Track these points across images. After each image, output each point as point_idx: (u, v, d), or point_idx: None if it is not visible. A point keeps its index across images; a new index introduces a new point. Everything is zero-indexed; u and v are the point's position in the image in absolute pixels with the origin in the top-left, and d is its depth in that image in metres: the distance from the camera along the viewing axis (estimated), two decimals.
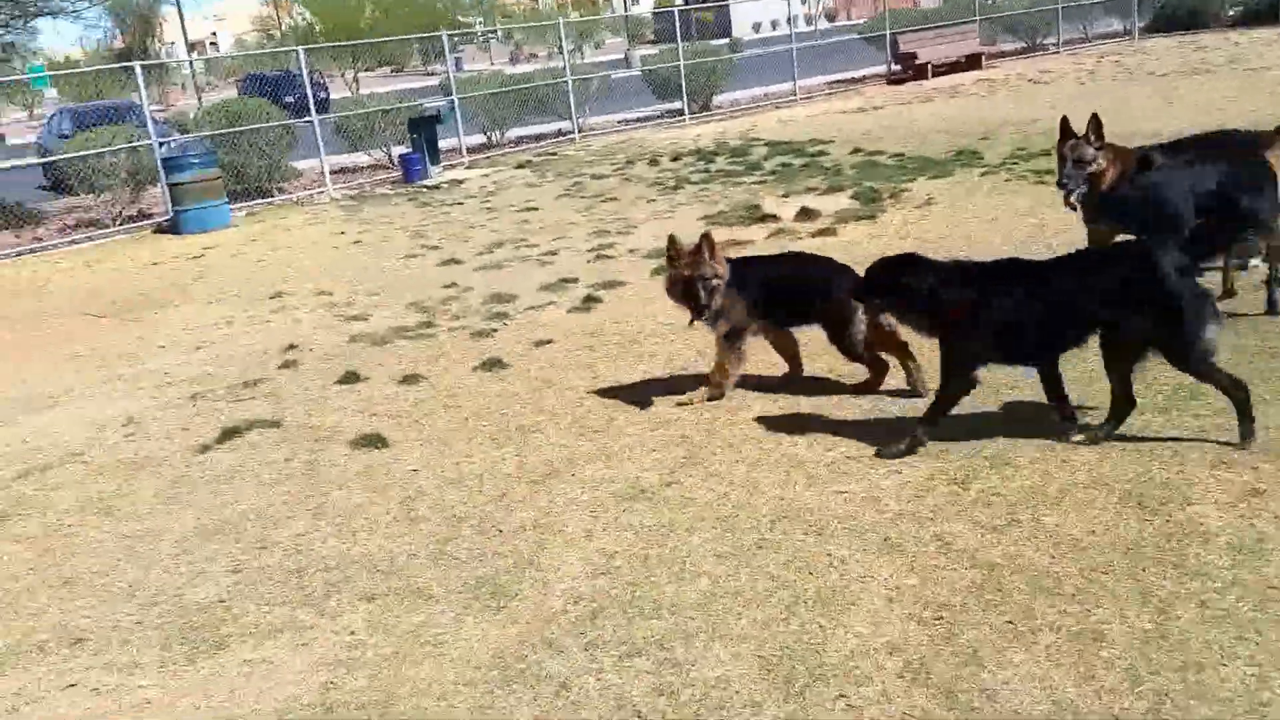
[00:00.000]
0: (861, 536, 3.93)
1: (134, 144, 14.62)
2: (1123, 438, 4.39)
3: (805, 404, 5.28)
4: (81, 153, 14.51)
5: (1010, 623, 3.28)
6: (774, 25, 49.68)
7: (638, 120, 21.27)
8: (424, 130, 16.48)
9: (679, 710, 3.07)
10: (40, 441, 6.01)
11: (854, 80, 24.22)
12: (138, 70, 15.28)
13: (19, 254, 13.40)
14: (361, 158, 18.13)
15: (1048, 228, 8.08)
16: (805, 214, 9.79)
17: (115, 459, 5.61)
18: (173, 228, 13.70)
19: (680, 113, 20.80)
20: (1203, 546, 3.55)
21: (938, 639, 3.25)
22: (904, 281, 4.59)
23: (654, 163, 14.91)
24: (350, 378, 6.51)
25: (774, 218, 9.85)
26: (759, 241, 8.99)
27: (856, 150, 13.45)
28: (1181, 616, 3.19)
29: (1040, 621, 3.27)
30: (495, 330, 7.29)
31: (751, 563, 3.82)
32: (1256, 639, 3.04)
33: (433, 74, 30.53)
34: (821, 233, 9.06)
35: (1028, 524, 3.85)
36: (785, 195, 11.02)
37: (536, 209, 12.29)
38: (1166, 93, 15.34)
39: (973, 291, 4.45)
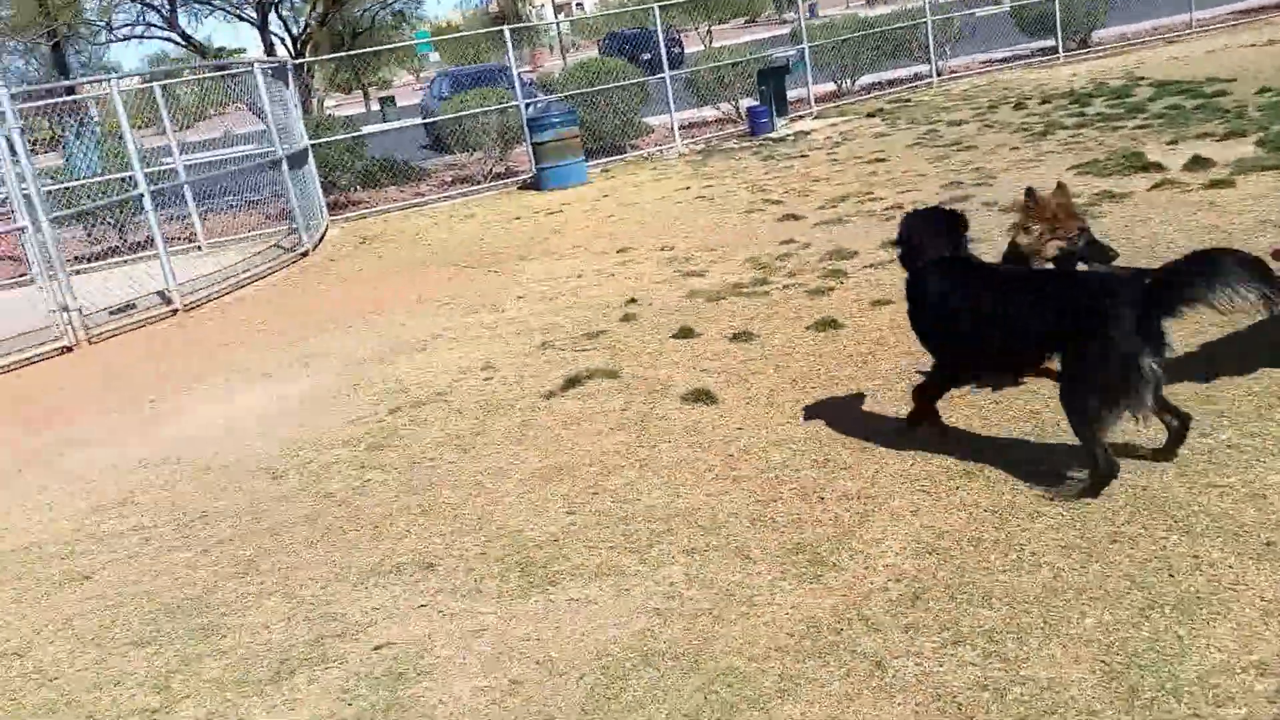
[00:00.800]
0: (1238, 539, 3.42)
1: (503, 105, 15.74)
2: None
3: (1194, 383, 4.68)
4: (457, 115, 15.85)
5: None
6: None
7: (1003, 61, 19.93)
8: (772, 81, 16.41)
9: (1005, 709, 2.82)
10: (412, 380, 6.64)
11: (1261, 9, 21.22)
12: (506, 34, 16.35)
13: (403, 208, 14.89)
14: (709, 112, 18.39)
15: None
16: (1197, 163, 8.69)
17: (473, 400, 6.07)
18: (535, 184, 14.64)
19: (1053, 50, 19.24)
20: None
21: None
22: None
23: (1020, 106, 13.90)
24: (684, 333, 6.61)
25: (1158, 167, 8.84)
26: (1139, 194, 8.13)
27: (1265, 90, 11.76)
28: None
29: None
30: (832, 289, 7.11)
31: (1103, 558, 3.44)
32: None
33: (786, 22, 30.20)
34: (1215, 184, 7.99)
35: None
36: (1173, 142, 9.86)
37: (884, 160, 11.87)
38: None
39: None
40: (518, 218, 12.63)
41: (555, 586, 3.85)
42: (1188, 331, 4.99)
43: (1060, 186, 4.61)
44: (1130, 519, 3.64)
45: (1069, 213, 4.45)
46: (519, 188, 15.08)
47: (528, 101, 16.01)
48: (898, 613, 3.33)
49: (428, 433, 5.66)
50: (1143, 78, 14.42)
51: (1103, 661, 2.94)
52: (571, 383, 6.01)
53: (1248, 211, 7.11)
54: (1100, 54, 18.86)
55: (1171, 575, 3.28)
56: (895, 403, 4.97)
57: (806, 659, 3.17)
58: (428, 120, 19.11)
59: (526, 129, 14.96)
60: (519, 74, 16.49)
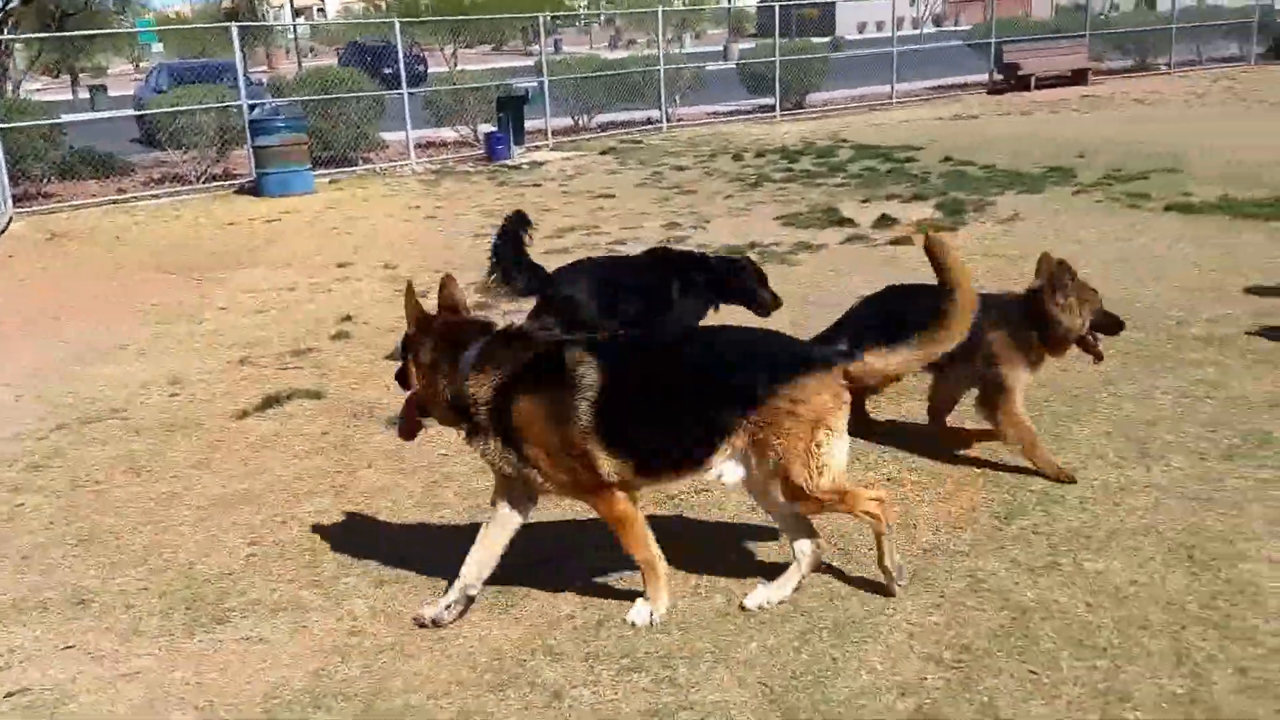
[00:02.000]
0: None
1: (224, 104, 14.93)
2: (1178, 481, 4.13)
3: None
4: (171, 109, 14.87)
5: (1034, 673, 3.07)
6: (879, 26, 48.74)
7: (728, 114, 21.06)
8: (511, 110, 16.51)
9: None
10: (88, 394, 6.10)
11: (954, 87, 23.66)
12: (234, 31, 15.57)
13: (103, 204, 13.75)
14: (448, 133, 18.25)
15: (1141, 252, 7.73)
16: (884, 221, 9.53)
17: (154, 418, 5.66)
18: (254, 189, 13.94)
19: (772, 109, 20.52)
20: (1250, 608, 3.28)
21: (955, 684, 3.05)
22: None
23: (738, 158, 14.70)
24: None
25: (851, 222, 9.60)
26: (832, 245, 8.78)
27: (947, 159, 13.08)
28: (1217, 683, 2.95)
29: (1066, 674, 3.05)
30: None
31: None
32: None
33: (531, 54, 30.66)
34: (898, 241, 8.79)
35: (1068, 568, 3.61)
36: (866, 200, 10.74)
37: (613, 196, 12.20)
38: (1274, 120, 14.64)
39: None
40: (231, 223, 11.96)
41: (225, 625, 3.63)
42: None
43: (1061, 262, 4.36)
44: None
45: (1086, 285, 4.38)
46: (236, 192, 14.30)
47: (253, 103, 15.26)
48: (581, 641, 3.39)
49: (97, 453, 5.21)
50: (846, 140, 15.66)
51: (764, 684, 3.11)
52: (270, 402, 5.73)
53: (924, 267, 7.80)
54: (813, 116, 20.33)
55: (832, 600, 3.53)
56: None
57: (486, 692, 3.16)
58: (138, 112, 17.79)
59: (249, 131, 14.23)
60: (247, 74, 15.70)
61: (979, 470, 4.41)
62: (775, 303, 5.46)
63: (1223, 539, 3.71)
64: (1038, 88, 21.82)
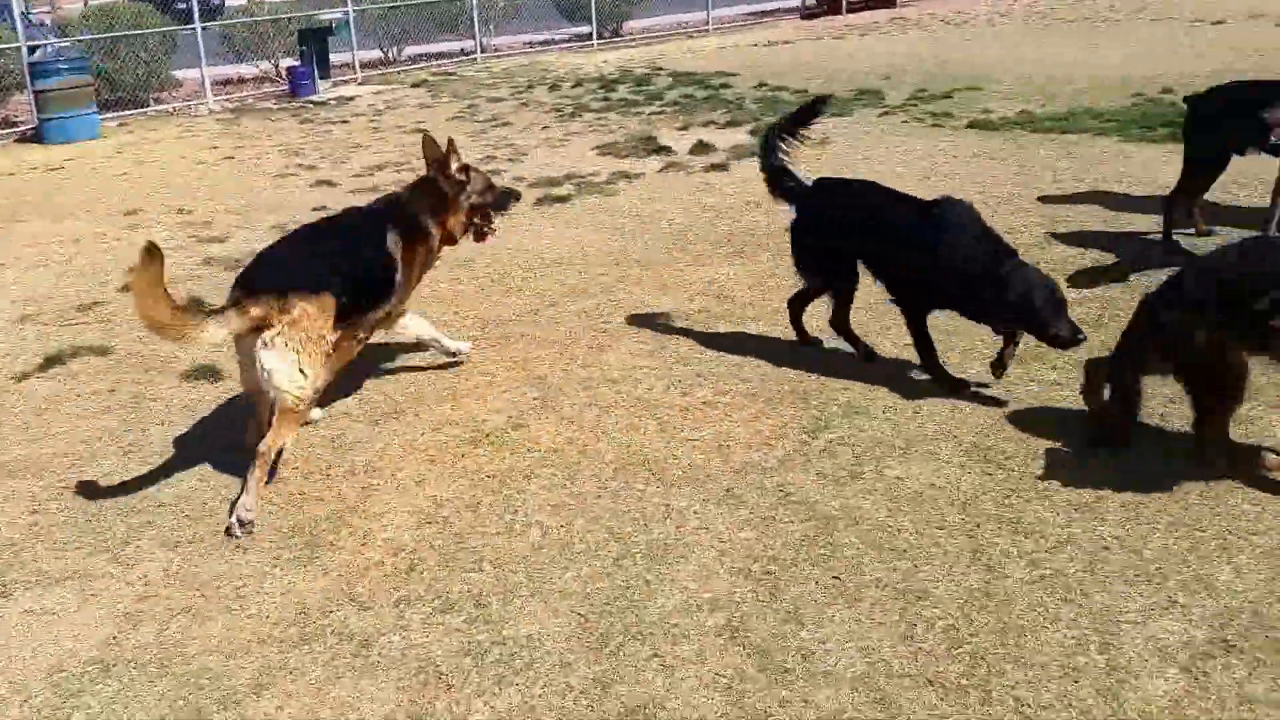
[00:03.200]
0: (704, 487, 3.77)
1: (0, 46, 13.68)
2: (981, 391, 4.31)
3: (672, 345, 5.08)
4: None
5: (838, 578, 3.16)
6: None
7: (544, 44, 20.62)
8: (315, 43, 15.68)
9: (483, 671, 2.88)
10: None
11: (769, 13, 23.83)
12: None
13: None
14: (248, 69, 17.25)
15: (940, 169, 7.99)
16: (701, 148, 9.54)
17: None
18: (36, 137, 12.86)
19: (589, 38, 20.21)
20: (1041, 502, 3.46)
21: (762, 595, 3.12)
22: None
23: (554, 88, 14.44)
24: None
25: (668, 150, 9.57)
26: (650, 174, 8.74)
27: (761, 85, 13.17)
28: (1010, 575, 3.10)
29: (867, 578, 3.15)
30: None
31: (587, 513, 3.64)
32: (1081, 601, 2.96)
33: None
34: (714, 168, 8.83)
35: (870, 476, 3.73)
36: (683, 128, 10.72)
37: (426, 131, 11.80)
38: (1071, 36, 15.35)
39: None
40: (11, 174, 11.00)
41: (7, 599, 3.36)
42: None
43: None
44: (615, 475, 3.88)
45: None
46: (17, 140, 13.14)
47: (33, 44, 13.99)
48: (391, 588, 3.29)
49: None
50: (663, 68, 15.58)
51: (578, 613, 3.09)
52: (52, 361, 5.31)
53: (737, 192, 7.91)
54: (630, 44, 20.14)
55: (645, 525, 3.54)
56: (414, 374, 4.92)
57: (290, 648, 3.03)
58: None
59: (28, 73, 13.06)
60: (31, 14, 14.35)
61: (789, 389, 4.48)
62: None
63: (1016, 439, 3.90)
64: (849, 11, 22.22)
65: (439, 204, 4.55)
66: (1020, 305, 3.98)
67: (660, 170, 8.88)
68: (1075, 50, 13.86)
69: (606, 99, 13.11)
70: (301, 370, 3.79)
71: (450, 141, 4.61)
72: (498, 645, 2.98)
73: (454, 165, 4.56)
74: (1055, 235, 6.21)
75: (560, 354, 5.05)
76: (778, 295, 5.58)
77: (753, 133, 10.12)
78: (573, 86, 14.45)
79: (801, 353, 4.84)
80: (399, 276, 4.36)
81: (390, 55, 18.54)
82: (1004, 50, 14.41)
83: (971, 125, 9.56)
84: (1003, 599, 3.00)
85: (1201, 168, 5.87)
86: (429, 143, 4.61)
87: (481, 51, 18.82)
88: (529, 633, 3.02)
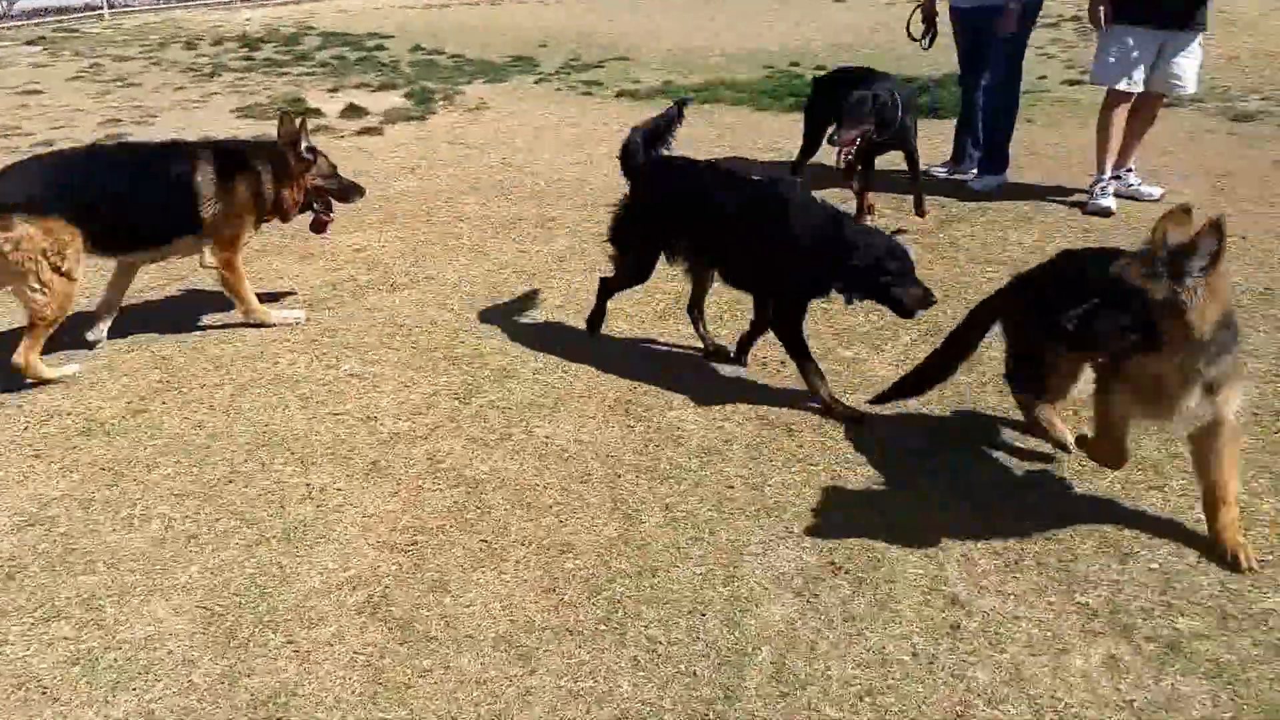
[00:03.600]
0: (348, 462, 3.63)
1: None
2: (621, 345, 4.44)
3: (317, 316, 4.85)
4: None
5: (485, 542, 3.15)
6: None
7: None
8: None
9: (94, 680, 2.62)
10: None
11: None
12: None
13: None
14: None
15: (592, 136, 8.14)
16: (352, 111, 9.18)
17: None
18: None
19: None
20: (675, 450, 3.62)
21: (406, 567, 3.04)
22: None
23: (191, 46, 13.38)
24: None
25: (318, 113, 9.11)
26: None
27: (417, 48, 12.88)
28: (646, 521, 3.22)
29: (514, 538, 3.16)
30: None
31: (216, 500, 3.39)
32: (709, 538, 3.13)
33: None
34: (367, 131, 8.53)
35: (519, 436, 3.75)
36: (334, 90, 10.27)
37: (40, 92, 10.54)
38: (712, 10, 16.16)
39: None
40: None
41: None
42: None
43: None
44: (249, 457, 3.65)
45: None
46: None
47: None
48: None
49: None
50: (313, 27, 14.86)
51: (204, 607, 2.88)
52: None
53: (391, 157, 7.70)
54: (278, 2, 19.04)
55: (283, 507, 3.35)
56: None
57: None
58: None
59: None
60: None
61: (441, 356, 4.41)
62: None
63: (655, 392, 4.05)
64: None
65: (280, 169, 4.65)
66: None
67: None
68: (715, 24, 14.61)
69: (249, 59, 12.32)
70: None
71: (303, 121, 4.78)
72: (111, 651, 2.72)
73: (303, 144, 4.71)
74: None
75: (189, 331, 4.69)
76: (431, 263, 5.49)
77: (408, 95, 9.89)
78: (212, 45, 13.46)
79: (453, 319, 4.78)
80: (204, 212, 4.43)
81: (1, 9, 16.42)
82: (651, 22, 14.94)
83: (620, 94, 9.84)
84: (639, 544, 3.11)
85: (808, 142, 6.36)
86: (285, 119, 4.77)
87: (110, 7, 17.09)
88: (147, 634, 2.78)
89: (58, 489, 3.47)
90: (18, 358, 4.11)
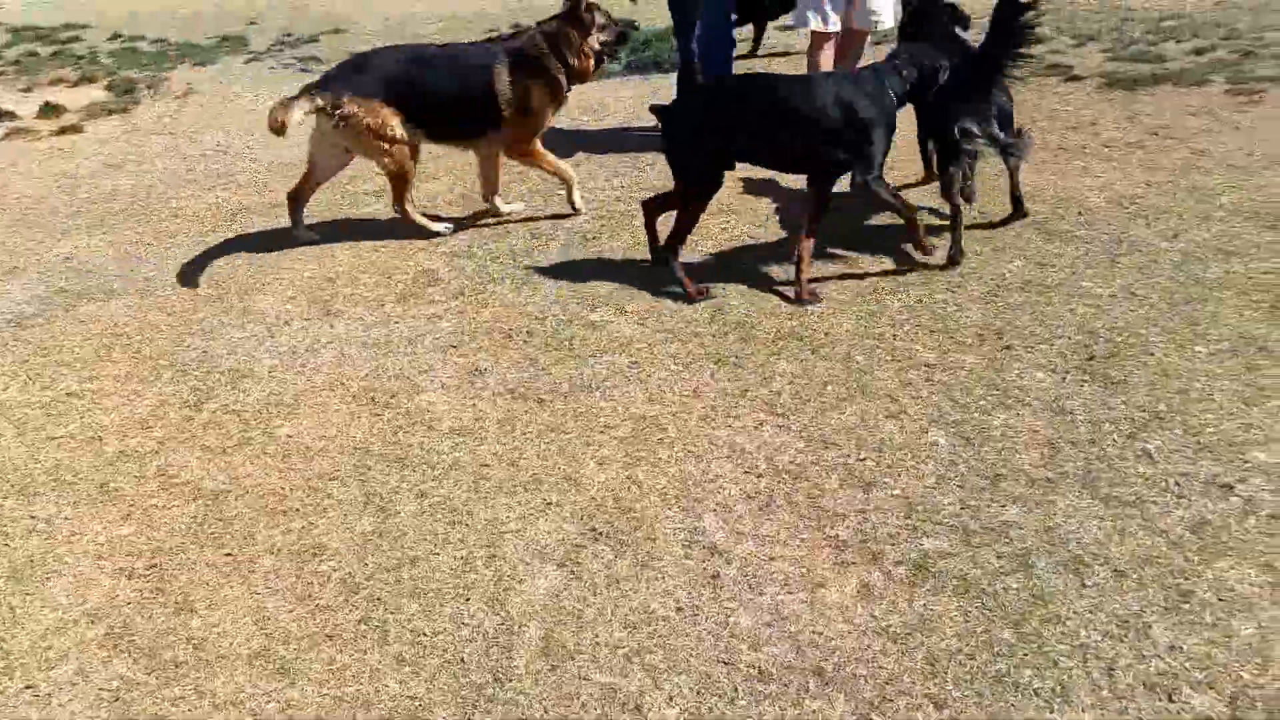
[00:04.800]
0: (73, 488, 3.38)
1: None
2: (362, 330, 4.32)
3: (27, 335, 4.45)
4: None
5: (229, 555, 3.02)
6: None
7: None
8: None
9: None
10: None
11: None
12: None
13: None
14: None
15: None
16: (49, 110, 8.40)
17: None
18: None
19: None
20: (427, 435, 3.58)
21: (147, 593, 2.88)
22: None
23: None
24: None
25: (11, 115, 8.29)
26: None
27: (116, 36, 11.91)
28: (401, 512, 3.18)
29: (261, 546, 3.05)
30: None
31: None
32: (467, 521, 3.12)
33: None
34: (67, 130, 7.84)
35: (259, 439, 3.60)
36: (28, 90, 9.36)
37: None
38: None
39: None
40: None
41: None
42: None
43: None
44: None
45: None
46: None
47: None
48: None
49: None
50: (1, 22, 13.47)
51: None
52: None
53: (95, 155, 7.13)
54: None
55: (6, 543, 3.09)
56: None
57: None
58: None
59: None
60: None
61: (167, 363, 4.15)
62: None
63: (401, 377, 3.97)
64: None
65: (568, 47, 5.04)
66: None
67: (3, 138, 7.71)
68: None
69: None
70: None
71: None
72: None
73: (584, 12, 5.06)
74: (421, 176, 6.35)
75: None
76: (148, 264, 5.15)
77: (109, 88, 9.16)
78: None
79: (176, 323, 4.50)
80: (504, 112, 5.02)
81: None
82: None
83: None
84: (395, 536, 3.06)
85: None
86: None
87: None
88: None
89: None
90: (395, 207, 5.18)
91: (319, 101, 4.90)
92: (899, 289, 4.33)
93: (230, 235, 5.49)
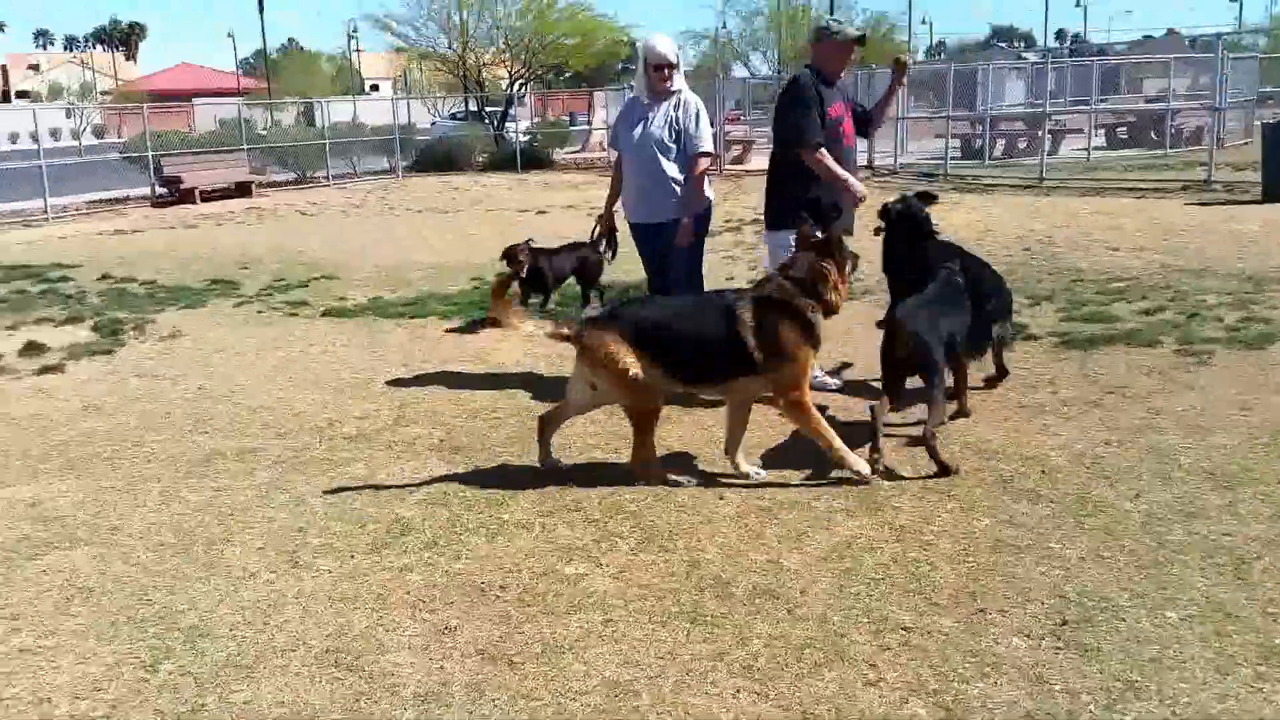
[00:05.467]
0: None
1: None
2: (329, 583, 4.25)
3: None
4: None
5: None
6: (33, 137, 44.64)
7: None
8: None
9: None
10: None
11: (117, 201, 22.60)
12: None
13: None
14: None
15: (297, 358, 7.99)
16: (31, 349, 8.54)
17: None
18: None
19: None
20: (390, 701, 3.45)
21: None
22: None
23: None
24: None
25: None
26: None
27: (106, 276, 12.32)
28: None
29: None
30: None
31: None
32: None
33: None
34: (47, 370, 7.94)
35: (214, 706, 3.43)
36: (12, 328, 9.55)
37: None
38: (419, 225, 16.60)
39: None
40: None
41: None
42: None
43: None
44: None
45: None
46: None
47: None
48: None
49: None
50: None
51: None
52: None
53: (74, 396, 7.19)
54: None
55: None
56: None
57: None
58: None
59: None
60: None
61: (126, 619, 4.04)
62: None
63: (366, 636, 3.87)
64: (203, 200, 21.81)
65: (821, 284, 5.00)
66: None
67: None
68: (425, 239, 14.99)
69: None
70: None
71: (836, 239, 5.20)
72: None
73: (840, 252, 5.12)
74: (402, 420, 6.45)
75: None
76: (116, 511, 5.10)
77: (95, 328, 9.36)
78: None
79: (140, 574, 4.41)
80: (753, 352, 4.92)
81: None
82: (358, 238, 15.13)
83: (326, 313, 9.78)
84: None
85: None
86: (807, 232, 5.26)
87: None
88: None
89: None
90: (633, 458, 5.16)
91: (565, 330, 5.12)
92: (872, 546, 4.35)
93: (202, 481, 5.48)
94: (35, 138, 22.16)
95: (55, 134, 45.55)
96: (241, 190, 22.86)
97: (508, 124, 33.00)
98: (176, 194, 21.89)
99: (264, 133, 27.83)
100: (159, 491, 5.35)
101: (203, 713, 3.41)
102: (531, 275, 9.23)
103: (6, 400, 7.21)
